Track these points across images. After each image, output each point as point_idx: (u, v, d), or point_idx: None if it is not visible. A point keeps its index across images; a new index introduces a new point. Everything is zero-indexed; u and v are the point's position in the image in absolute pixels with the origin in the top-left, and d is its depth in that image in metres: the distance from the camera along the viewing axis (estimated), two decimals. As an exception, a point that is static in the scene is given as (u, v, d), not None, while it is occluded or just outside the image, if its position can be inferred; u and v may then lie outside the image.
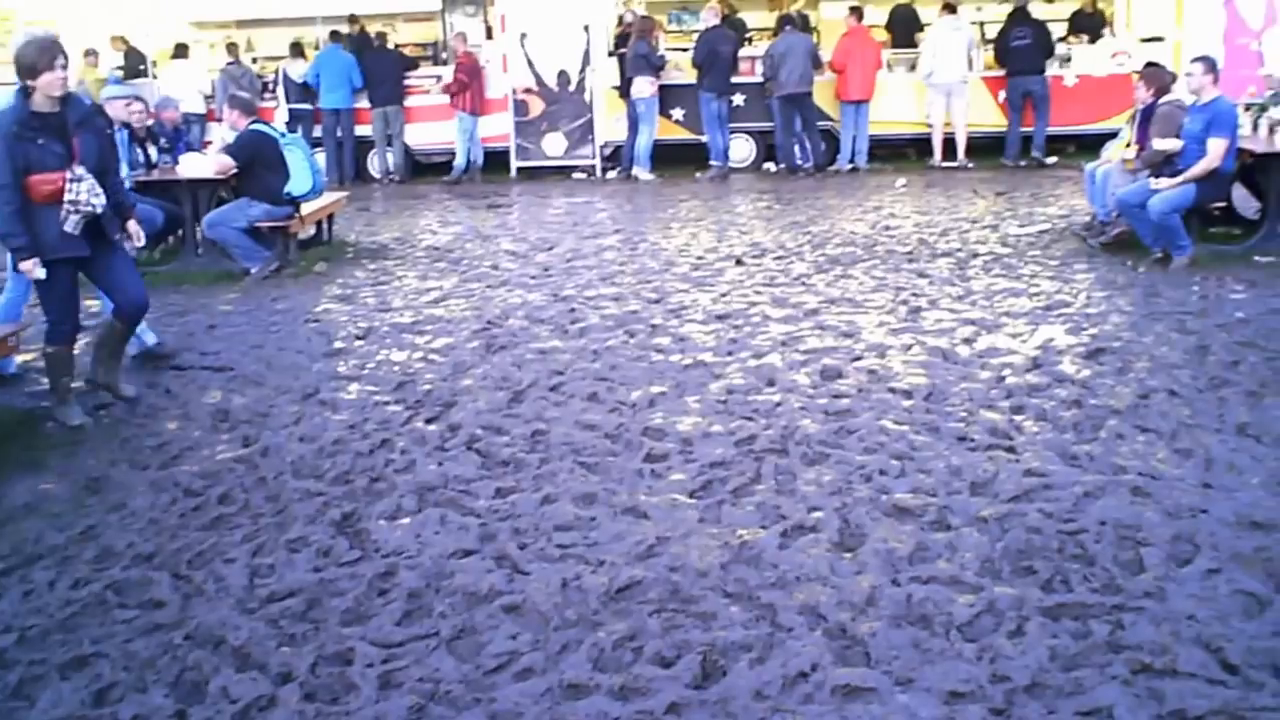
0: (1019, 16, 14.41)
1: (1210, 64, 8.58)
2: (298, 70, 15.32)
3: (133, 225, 6.11)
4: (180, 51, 16.03)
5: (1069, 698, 3.26)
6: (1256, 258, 8.80)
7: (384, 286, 9.14)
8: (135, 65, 16.74)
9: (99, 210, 5.67)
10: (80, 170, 5.57)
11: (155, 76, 16.18)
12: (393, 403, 6.15)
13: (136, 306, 6.18)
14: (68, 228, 5.61)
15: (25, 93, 5.46)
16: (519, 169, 15.42)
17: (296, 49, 15.55)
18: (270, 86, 15.72)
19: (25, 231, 5.54)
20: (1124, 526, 4.29)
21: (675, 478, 4.95)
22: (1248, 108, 10.19)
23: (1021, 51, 14.27)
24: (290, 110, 15.09)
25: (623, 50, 14.62)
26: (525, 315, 7.91)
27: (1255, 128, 9.57)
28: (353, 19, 16.30)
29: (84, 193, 5.61)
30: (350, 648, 3.67)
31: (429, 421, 5.83)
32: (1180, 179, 8.46)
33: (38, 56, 5.39)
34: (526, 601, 3.91)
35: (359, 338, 7.52)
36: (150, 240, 8.36)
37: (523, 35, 15.02)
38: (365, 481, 5.05)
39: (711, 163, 14.76)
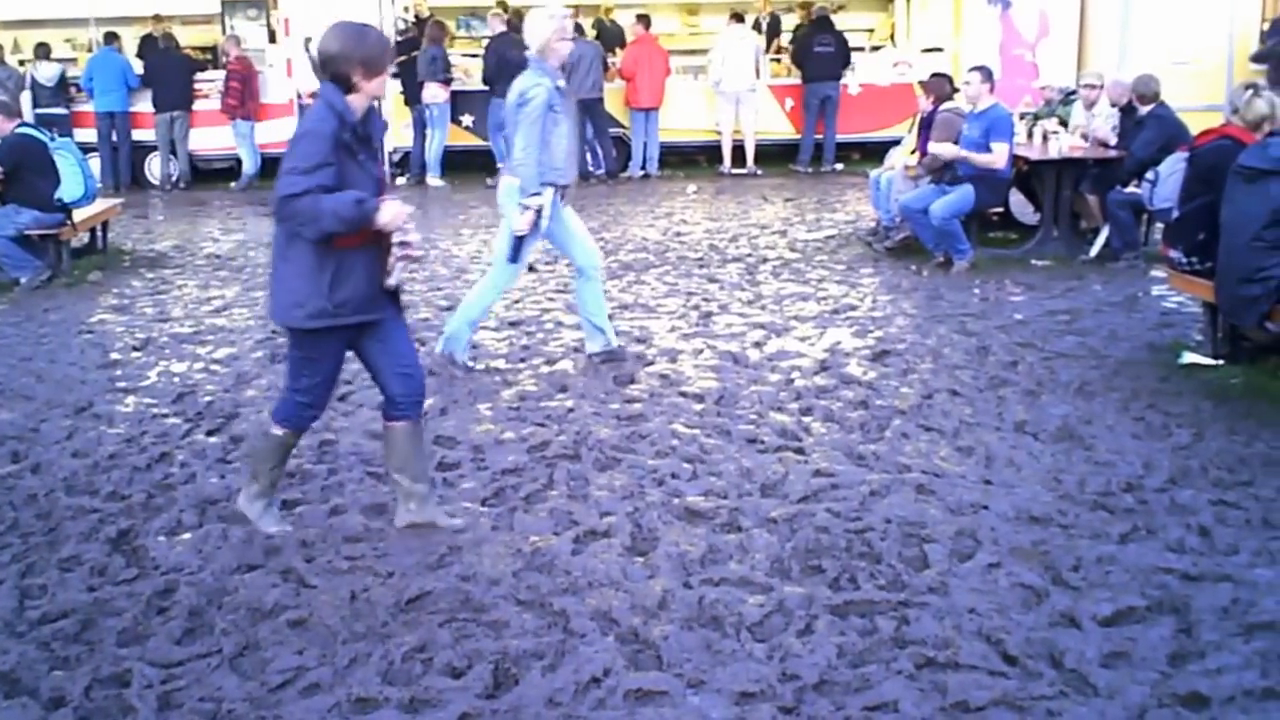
0: (822, 24, 14.80)
1: (987, 73, 8.99)
2: (45, 73, 14.45)
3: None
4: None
5: (856, 693, 3.31)
6: (1033, 261, 9.25)
7: (163, 296, 8.71)
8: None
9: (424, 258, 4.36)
10: (399, 203, 4.12)
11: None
12: (172, 415, 5.86)
13: (418, 395, 4.46)
14: (392, 280, 4.18)
15: (347, 91, 4.05)
16: (307, 174, 14.92)
17: (43, 50, 14.66)
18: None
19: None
20: (909, 524, 4.41)
21: (466, 486, 4.85)
22: (1023, 116, 10.71)
23: (825, 58, 14.66)
24: (38, 115, 14.10)
25: (401, 58, 14.34)
26: (312, 323, 7.63)
27: (1030, 136, 10.06)
28: (158, 19, 15.44)
29: (414, 232, 4.14)
30: (127, 669, 3.50)
31: (211, 434, 5.58)
32: (964, 153, 8.78)
33: (383, 49, 4.13)
34: (313, 615, 3.79)
35: (136, 349, 7.13)
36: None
37: (307, 39, 14.53)
38: (143, 497, 4.81)
39: (499, 166, 14.64)
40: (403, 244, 4.11)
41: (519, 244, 6.21)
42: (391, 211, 4.03)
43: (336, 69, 4.04)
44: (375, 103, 4.21)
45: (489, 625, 3.71)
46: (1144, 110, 9.00)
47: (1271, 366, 6.20)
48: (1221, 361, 6.32)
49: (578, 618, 3.74)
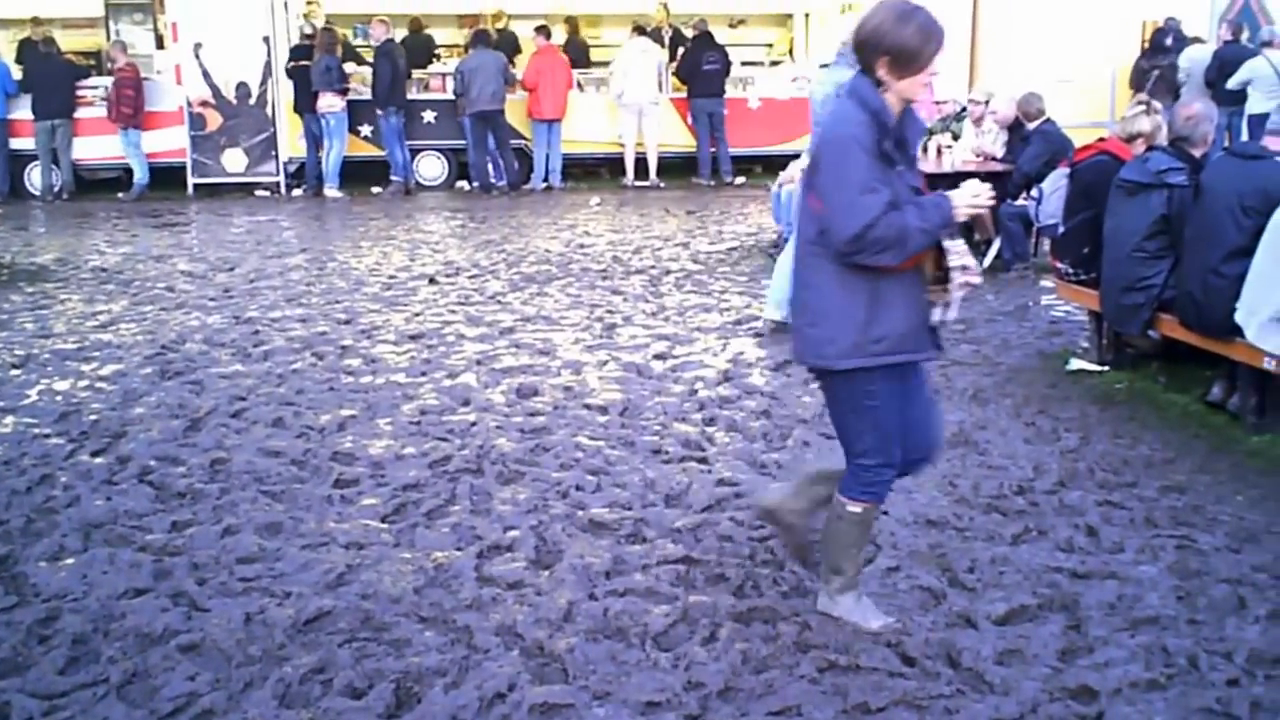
0: (707, 41, 14.92)
1: None
2: None
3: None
4: None
5: (760, 699, 3.34)
6: (926, 272, 9.39)
7: (44, 311, 8.43)
8: None
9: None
10: (975, 181, 3.50)
11: None
12: (54, 435, 5.65)
13: (933, 452, 3.87)
14: (938, 316, 3.53)
15: (877, 86, 3.37)
16: (196, 186, 14.61)
17: None
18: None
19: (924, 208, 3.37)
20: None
21: (366, 502, 4.77)
22: (918, 131, 10.92)
23: (712, 75, 14.80)
24: None
25: (294, 64, 14.14)
26: (204, 339, 7.47)
27: (925, 150, 10.25)
28: (36, 21, 14.95)
29: (968, 257, 3.47)
30: (6, 701, 3.37)
31: (96, 454, 5.39)
32: None
33: (923, 43, 3.33)
34: (206, 639, 3.68)
35: (15, 366, 6.89)
36: None
37: (197, 45, 14.26)
38: (22, 521, 4.62)
39: (392, 178, 14.52)
40: (963, 268, 3.41)
41: None
42: (970, 191, 3.41)
43: (862, 56, 3.38)
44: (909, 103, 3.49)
45: (390, 644, 3.65)
46: (1030, 126, 9.24)
47: (1154, 372, 6.39)
48: (1107, 367, 6.50)
49: (481, 633, 3.70)
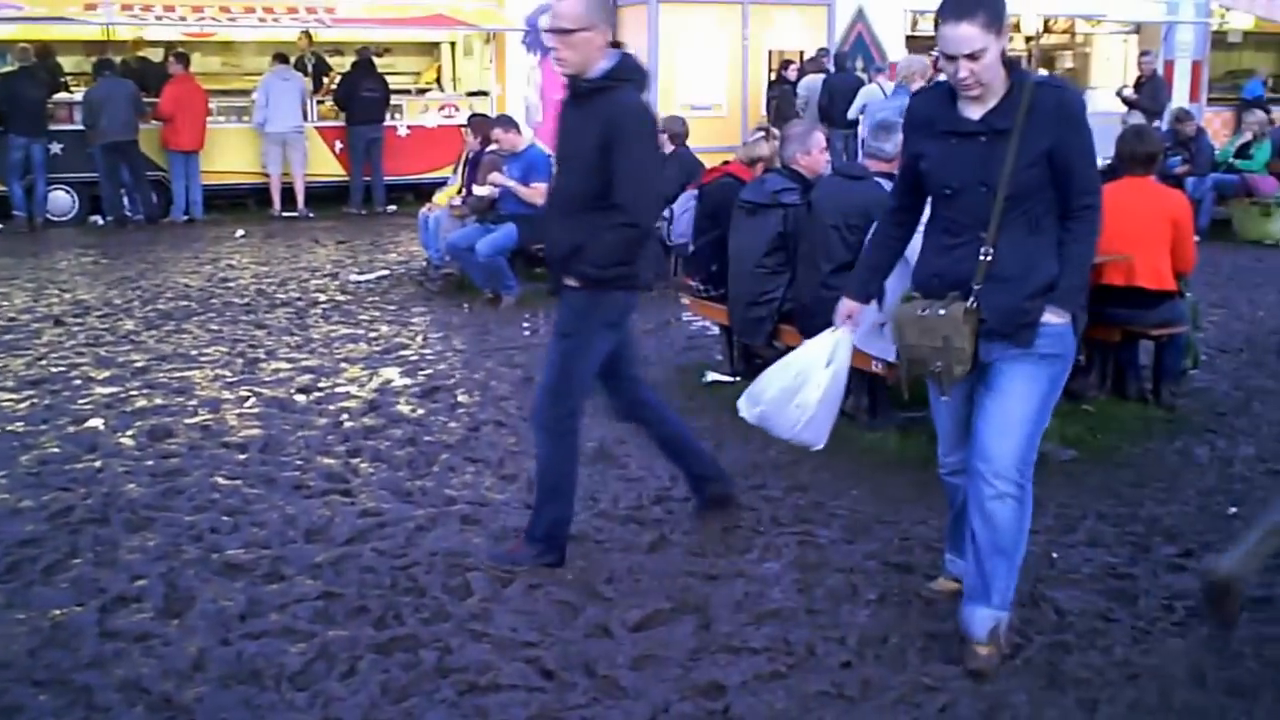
0: (367, 68, 14.72)
1: (508, 122, 9.39)
2: None
3: None
4: None
5: (398, 728, 3.32)
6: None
7: None
8: None
9: None
10: None
11: None
12: None
13: None
14: None
15: None
16: None
17: None
18: None
19: None
20: (454, 555, 4.47)
21: (-29, 563, 4.40)
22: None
23: (371, 102, 14.62)
24: None
25: None
26: None
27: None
28: None
29: None
30: None
31: None
32: (509, 182, 9.03)
33: None
34: None
35: None
36: None
37: None
38: None
39: (14, 213, 13.45)
40: None
41: None
42: None
43: None
44: None
45: (-2, 712, 3.40)
46: (669, 149, 9.67)
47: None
48: (738, 378, 6.85)
49: (102, 691, 3.50)
